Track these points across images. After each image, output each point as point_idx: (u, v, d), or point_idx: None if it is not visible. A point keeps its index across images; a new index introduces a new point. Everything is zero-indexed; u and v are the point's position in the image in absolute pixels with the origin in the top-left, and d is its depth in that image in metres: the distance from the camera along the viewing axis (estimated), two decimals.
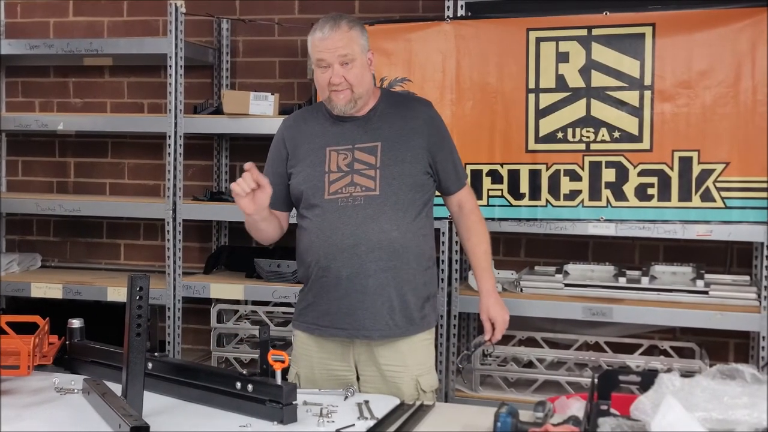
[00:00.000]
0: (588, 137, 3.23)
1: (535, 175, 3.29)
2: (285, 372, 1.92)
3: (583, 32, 3.21)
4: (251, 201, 2.17)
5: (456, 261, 3.37)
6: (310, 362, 2.39)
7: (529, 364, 3.42)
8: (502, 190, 3.33)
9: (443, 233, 3.37)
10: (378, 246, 2.28)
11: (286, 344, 3.66)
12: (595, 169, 3.22)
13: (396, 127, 2.35)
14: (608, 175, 3.21)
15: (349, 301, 2.30)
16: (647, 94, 3.16)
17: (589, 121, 3.22)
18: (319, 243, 2.33)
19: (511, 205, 3.32)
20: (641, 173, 3.18)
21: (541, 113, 3.27)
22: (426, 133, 2.36)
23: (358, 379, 2.36)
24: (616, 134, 3.20)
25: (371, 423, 1.91)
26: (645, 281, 3.25)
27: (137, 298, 1.92)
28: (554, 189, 3.26)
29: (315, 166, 2.34)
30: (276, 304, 3.72)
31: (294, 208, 2.45)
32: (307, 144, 2.38)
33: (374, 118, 2.36)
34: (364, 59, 2.32)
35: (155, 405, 2.01)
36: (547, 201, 3.28)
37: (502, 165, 3.32)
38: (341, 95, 2.30)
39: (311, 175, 2.34)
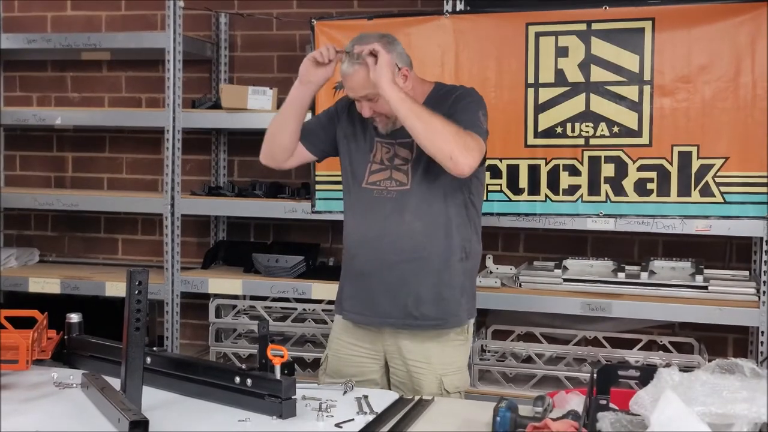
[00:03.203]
0: (587, 132, 3.22)
1: (534, 170, 3.28)
2: (284, 366, 1.92)
3: (583, 27, 3.21)
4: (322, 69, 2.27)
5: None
6: (339, 348, 2.44)
7: (528, 359, 3.42)
8: (501, 185, 3.32)
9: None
10: (400, 238, 2.30)
11: (284, 339, 3.66)
12: (595, 164, 3.22)
13: None
14: (607, 170, 3.21)
15: (373, 291, 2.34)
16: (647, 88, 3.15)
17: (588, 115, 3.21)
18: (350, 231, 2.40)
19: (510, 200, 3.32)
20: (640, 168, 3.18)
21: (540, 108, 3.26)
22: (446, 109, 2.29)
23: (387, 371, 2.39)
24: (616, 129, 3.19)
25: (370, 418, 1.91)
26: (644, 276, 3.25)
27: (136, 292, 1.91)
28: (553, 184, 3.26)
29: (363, 153, 2.39)
30: (274, 299, 3.72)
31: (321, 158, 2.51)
32: (362, 128, 2.41)
33: None
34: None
35: (154, 399, 2.01)
36: (546, 196, 3.28)
37: (501, 160, 3.32)
38: (377, 121, 2.35)
39: (358, 159, 2.39)
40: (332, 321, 2.62)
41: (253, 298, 3.78)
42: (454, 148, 2.16)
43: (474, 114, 2.31)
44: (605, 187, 3.22)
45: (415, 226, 2.30)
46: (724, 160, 3.11)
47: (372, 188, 2.35)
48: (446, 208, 2.33)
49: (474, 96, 2.39)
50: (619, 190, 3.20)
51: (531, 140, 3.28)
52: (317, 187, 3.49)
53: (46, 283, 3.76)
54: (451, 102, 2.34)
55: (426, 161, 2.30)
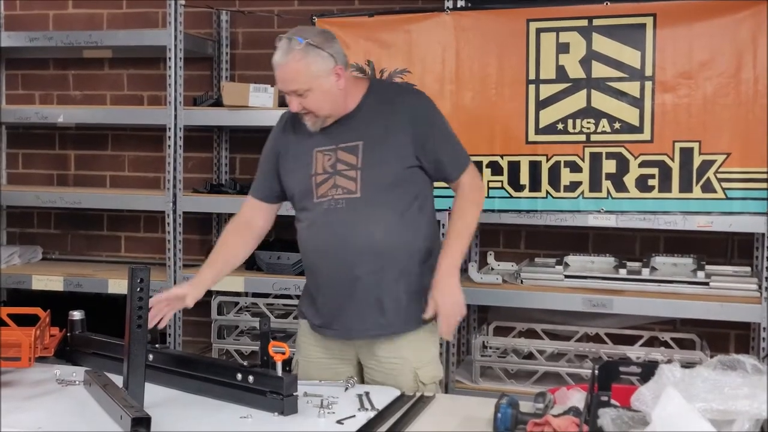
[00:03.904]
0: (588, 128, 3.22)
1: (535, 167, 3.28)
2: (286, 363, 1.92)
3: (584, 23, 3.20)
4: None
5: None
6: (308, 352, 2.40)
7: (530, 356, 3.42)
8: (502, 181, 3.32)
9: (443, 225, 3.36)
10: (363, 250, 2.23)
11: (286, 336, 3.67)
12: (596, 160, 3.22)
13: (379, 125, 2.27)
14: (609, 166, 3.20)
15: (339, 303, 2.28)
16: (648, 84, 3.15)
17: (589, 112, 3.21)
18: (310, 246, 2.32)
19: (511, 197, 3.32)
20: (642, 164, 3.18)
21: (541, 104, 3.26)
22: (409, 128, 2.26)
23: (360, 371, 2.36)
24: (617, 125, 3.19)
25: (372, 414, 1.92)
26: (645, 272, 3.25)
27: (138, 290, 1.92)
28: (554, 180, 3.26)
29: (304, 169, 2.30)
30: (276, 296, 3.72)
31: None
32: (297, 144, 2.34)
33: (358, 115, 2.29)
34: (322, 83, 2.20)
35: (157, 396, 2.02)
36: (547, 192, 3.28)
37: (502, 156, 3.32)
38: (305, 119, 2.27)
39: (301, 178, 2.30)
40: None
41: (255, 295, 3.79)
42: (481, 207, 2.40)
43: (452, 138, 2.37)
44: (606, 184, 3.21)
45: (377, 237, 2.23)
46: (725, 156, 3.11)
47: (322, 200, 2.27)
48: (401, 211, 2.26)
49: (433, 106, 2.34)
50: (620, 187, 3.20)
51: (532, 137, 3.28)
52: None
53: (49, 281, 3.76)
54: (419, 121, 2.27)
55: (376, 165, 2.24)
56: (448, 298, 2.22)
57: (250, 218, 2.45)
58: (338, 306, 2.29)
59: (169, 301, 2.23)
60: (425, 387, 2.29)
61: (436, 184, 2.40)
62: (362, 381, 2.34)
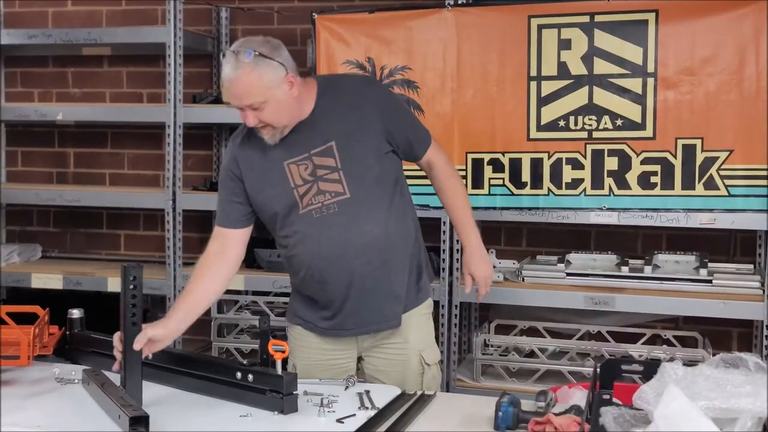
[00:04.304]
0: (590, 125, 3.21)
1: (536, 164, 3.27)
2: (285, 362, 1.91)
3: (586, 19, 3.19)
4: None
5: (457, 250, 3.35)
6: (309, 354, 2.37)
7: (531, 354, 3.41)
8: (503, 178, 3.31)
9: (444, 222, 3.35)
10: (365, 248, 2.22)
11: (286, 335, 3.65)
12: (598, 157, 3.20)
13: (345, 121, 2.23)
14: (611, 163, 3.19)
15: (352, 303, 2.27)
16: (650, 81, 3.14)
17: (591, 108, 3.20)
18: (307, 258, 2.25)
19: (513, 194, 3.30)
20: (644, 161, 3.16)
21: (542, 101, 3.24)
22: (378, 116, 2.23)
23: (361, 364, 2.36)
24: (619, 122, 3.17)
25: (372, 413, 1.91)
26: (648, 270, 3.24)
27: (131, 287, 1.91)
28: (556, 178, 3.25)
29: (280, 185, 2.23)
30: (276, 294, 3.71)
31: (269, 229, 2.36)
32: (261, 162, 2.25)
33: (319, 118, 2.24)
34: (276, 93, 2.13)
35: (156, 395, 2.01)
36: (548, 190, 3.26)
37: (503, 153, 3.30)
38: (263, 132, 2.20)
39: (279, 194, 2.24)
40: None
41: (255, 293, 3.77)
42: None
43: (416, 121, 2.45)
44: (608, 181, 3.20)
45: (376, 233, 2.22)
46: (728, 152, 3.09)
47: (310, 209, 2.21)
48: (389, 201, 2.26)
49: (390, 93, 2.38)
50: (622, 184, 3.19)
51: (533, 134, 3.26)
52: None
53: (48, 279, 3.76)
54: (381, 111, 2.25)
55: (356, 163, 2.21)
56: (482, 273, 2.43)
57: (222, 249, 2.32)
58: (352, 306, 2.27)
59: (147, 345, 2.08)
60: (429, 368, 2.31)
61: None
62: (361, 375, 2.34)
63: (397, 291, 2.29)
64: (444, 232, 3.35)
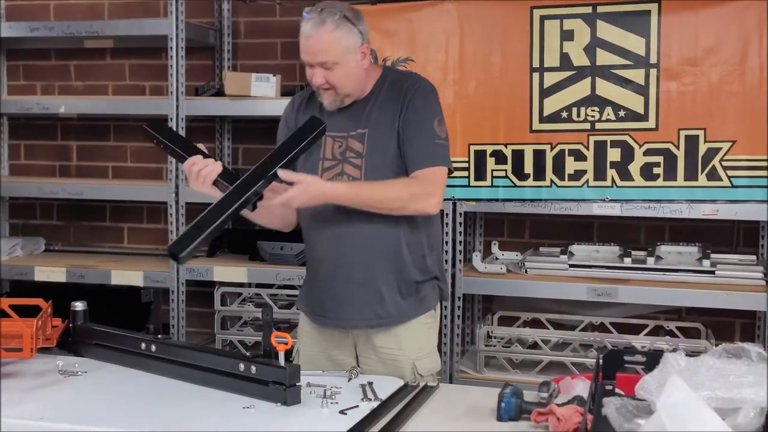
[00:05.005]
0: (593, 116, 3.20)
1: (539, 156, 3.26)
2: (288, 354, 1.91)
3: (588, 10, 3.18)
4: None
5: (460, 242, 3.35)
6: (310, 343, 2.39)
7: (534, 345, 3.41)
8: (506, 170, 3.31)
9: (447, 214, 3.35)
10: (363, 237, 2.23)
11: (290, 326, 3.66)
12: (600, 148, 3.20)
13: (384, 113, 2.26)
14: (613, 154, 3.19)
15: (336, 292, 2.28)
16: (653, 72, 3.13)
17: (594, 100, 3.19)
18: (310, 233, 2.32)
19: (516, 186, 3.30)
20: (647, 152, 3.16)
21: (545, 92, 3.24)
22: (399, 106, 2.24)
23: (358, 362, 2.35)
24: (622, 113, 3.17)
25: (375, 404, 1.91)
26: (650, 261, 3.23)
27: None
28: (559, 169, 3.24)
29: (312, 152, 2.28)
30: (280, 287, 3.71)
31: None
32: None
33: (369, 103, 2.28)
34: (350, 59, 2.20)
35: (159, 387, 2.02)
36: (551, 181, 3.26)
37: (506, 145, 3.30)
38: (325, 95, 2.25)
39: (307, 161, 2.29)
40: None
41: (258, 285, 3.78)
42: (410, 205, 2.20)
43: (427, 134, 2.23)
44: (611, 172, 3.20)
45: (378, 224, 2.22)
46: (731, 143, 3.09)
47: None
48: None
49: (428, 96, 2.27)
50: (625, 175, 3.18)
51: (536, 125, 3.26)
52: None
53: (52, 272, 3.76)
54: (405, 105, 2.24)
55: (379, 154, 2.23)
56: (290, 193, 2.11)
57: None
58: (335, 295, 2.29)
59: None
60: (423, 379, 2.27)
61: None
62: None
63: (383, 292, 2.26)
64: (447, 224, 3.35)
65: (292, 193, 2.11)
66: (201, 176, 2.17)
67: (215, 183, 2.17)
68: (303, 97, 2.40)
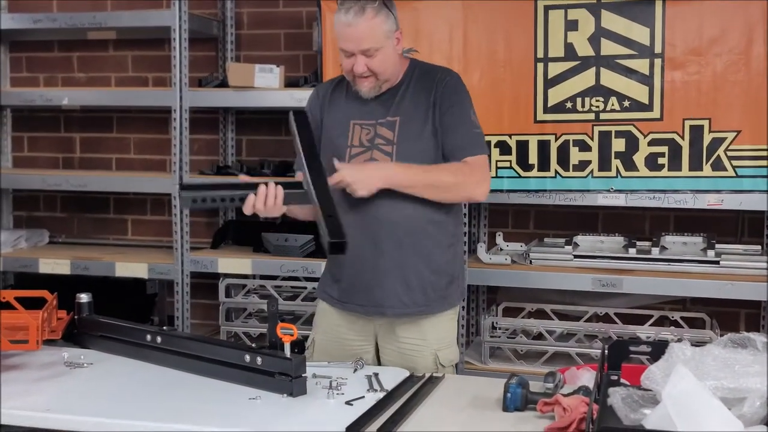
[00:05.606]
0: (597, 107, 3.19)
1: (543, 146, 3.25)
2: (294, 345, 1.92)
3: (593, 0, 3.16)
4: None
5: (464, 233, 3.34)
6: (327, 330, 2.39)
7: (539, 336, 3.41)
8: (510, 161, 3.30)
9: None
10: (392, 224, 2.24)
11: (294, 318, 3.66)
12: (605, 139, 3.19)
13: (416, 102, 2.29)
14: (618, 144, 3.18)
15: (365, 278, 2.29)
16: (657, 62, 3.12)
17: (598, 90, 3.18)
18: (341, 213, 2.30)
19: (520, 177, 3.29)
20: (651, 143, 3.15)
21: (549, 83, 3.23)
22: (433, 96, 2.28)
23: (377, 352, 2.36)
24: (626, 103, 3.16)
25: (381, 395, 1.91)
26: (655, 252, 3.23)
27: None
28: (563, 160, 3.23)
29: (338, 138, 2.31)
30: (284, 278, 3.71)
31: None
32: (334, 114, 2.35)
33: (399, 93, 2.31)
34: (389, 44, 2.24)
35: (165, 378, 2.02)
36: (556, 172, 3.25)
37: (510, 136, 3.29)
38: (365, 83, 2.27)
39: (334, 146, 2.31)
40: None
41: (262, 277, 3.78)
42: (461, 191, 2.28)
43: (468, 123, 2.28)
44: (616, 163, 3.19)
45: (407, 212, 2.24)
46: (736, 133, 3.07)
47: None
48: None
49: (462, 88, 2.31)
50: (629, 165, 3.18)
51: (540, 116, 3.25)
52: None
53: (56, 264, 3.76)
54: (441, 95, 2.27)
55: (411, 143, 2.25)
56: (346, 172, 2.17)
57: None
58: (364, 281, 2.29)
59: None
60: (444, 369, 2.29)
61: None
62: (379, 363, 2.34)
63: (415, 281, 2.28)
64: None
65: (347, 171, 2.15)
66: (275, 202, 2.10)
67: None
68: (328, 88, 2.41)
